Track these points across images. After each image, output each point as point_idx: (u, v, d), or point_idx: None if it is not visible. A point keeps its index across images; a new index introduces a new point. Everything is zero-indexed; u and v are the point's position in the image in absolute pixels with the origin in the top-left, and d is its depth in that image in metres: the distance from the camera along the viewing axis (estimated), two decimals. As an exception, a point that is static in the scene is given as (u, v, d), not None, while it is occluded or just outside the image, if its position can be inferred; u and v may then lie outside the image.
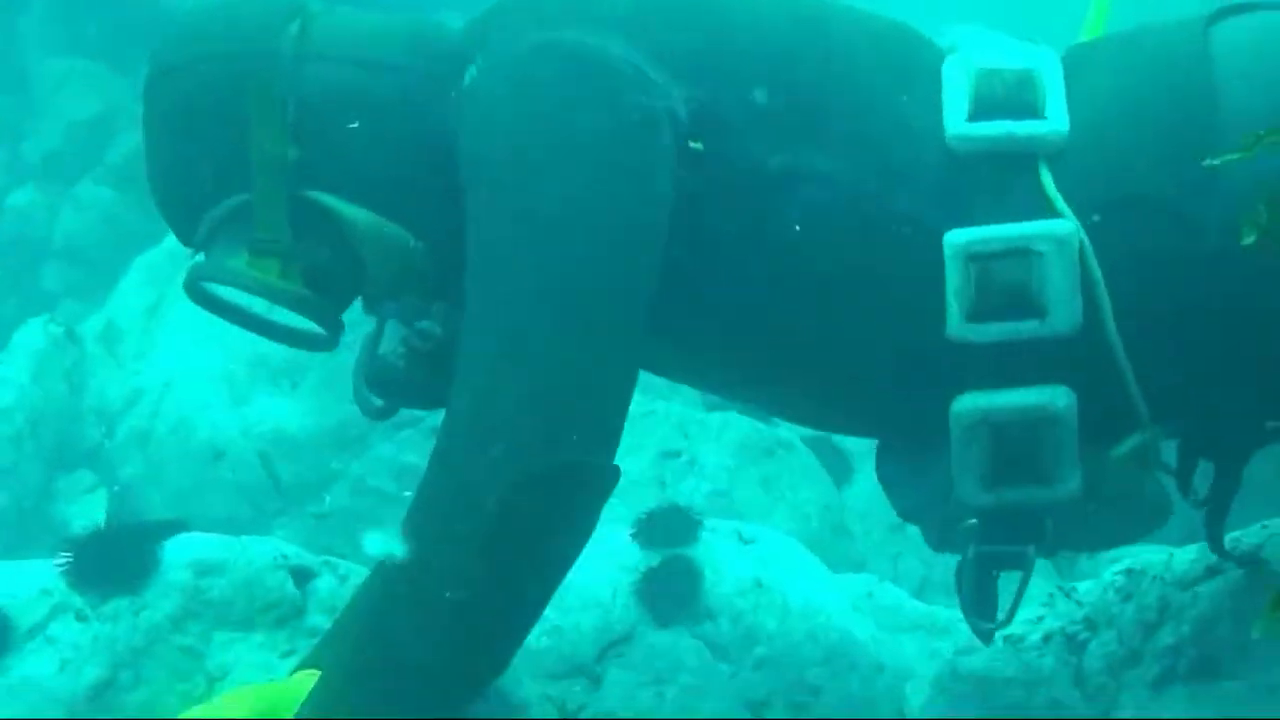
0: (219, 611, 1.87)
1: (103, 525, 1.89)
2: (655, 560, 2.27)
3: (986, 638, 1.75)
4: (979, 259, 1.55)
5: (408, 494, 1.79)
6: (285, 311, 1.69)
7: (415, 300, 1.64)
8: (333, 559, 2.03)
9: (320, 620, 1.92)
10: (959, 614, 2.91)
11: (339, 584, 1.97)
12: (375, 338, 1.69)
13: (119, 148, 5.21)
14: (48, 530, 3.53)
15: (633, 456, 3.50)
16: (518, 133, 1.56)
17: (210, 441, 3.65)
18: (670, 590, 2.26)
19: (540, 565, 1.56)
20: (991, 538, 1.61)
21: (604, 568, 2.24)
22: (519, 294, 1.52)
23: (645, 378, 1.69)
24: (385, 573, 1.56)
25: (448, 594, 1.49)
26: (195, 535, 1.94)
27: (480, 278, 1.54)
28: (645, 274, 1.55)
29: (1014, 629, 2.04)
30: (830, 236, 1.59)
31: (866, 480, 3.96)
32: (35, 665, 1.77)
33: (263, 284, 1.63)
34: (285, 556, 1.94)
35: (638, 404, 3.68)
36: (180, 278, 4.39)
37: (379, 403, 1.74)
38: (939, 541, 1.71)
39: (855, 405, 1.72)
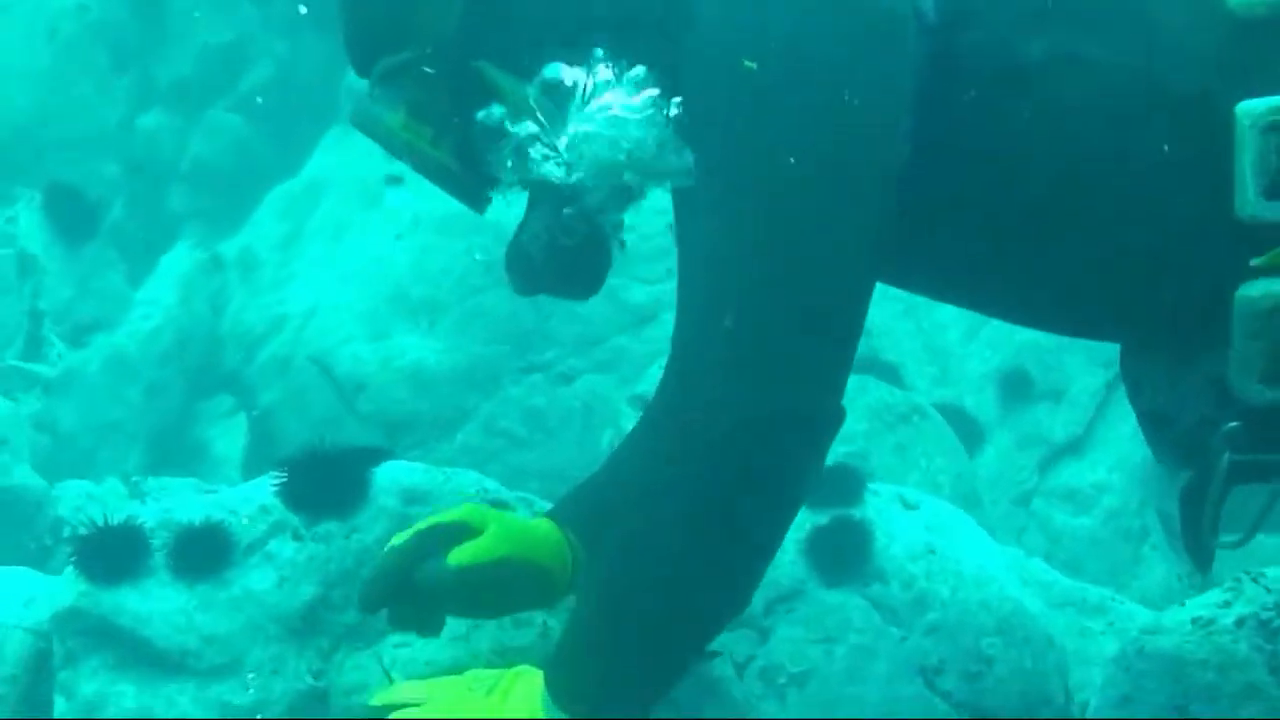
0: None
1: (316, 447, 1.90)
2: (823, 519, 2.27)
3: (1206, 564, 1.66)
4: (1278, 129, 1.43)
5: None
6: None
7: (565, 189, 1.60)
8: (527, 495, 2.05)
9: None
10: (1109, 593, 2.92)
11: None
12: (525, 220, 1.66)
13: (251, 76, 5.24)
14: (188, 450, 3.60)
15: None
16: (749, 40, 1.48)
17: (351, 373, 3.70)
18: (838, 550, 2.26)
19: (768, 508, 1.53)
20: (1253, 445, 1.52)
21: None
22: (749, 223, 1.47)
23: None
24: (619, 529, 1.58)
25: (678, 540, 1.50)
26: (402, 463, 1.97)
27: (707, 199, 1.50)
28: (883, 197, 1.49)
29: (1201, 611, 2.03)
30: (1099, 124, 1.50)
31: (996, 451, 3.96)
32: (256, 580, 1.81)
33: (411, 148, 1.60)
34: (485, 490, 1.96)
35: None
36: (316, 212, 4.44)
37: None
38: (1183, 449, 1.61)
39: (1119, 301, 1.61)
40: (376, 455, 1.97)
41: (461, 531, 1.68)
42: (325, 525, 1.87)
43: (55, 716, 1.73)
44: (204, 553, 1.79)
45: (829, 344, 1.49)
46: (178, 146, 5.22)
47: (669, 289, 4.10)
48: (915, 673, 2.18)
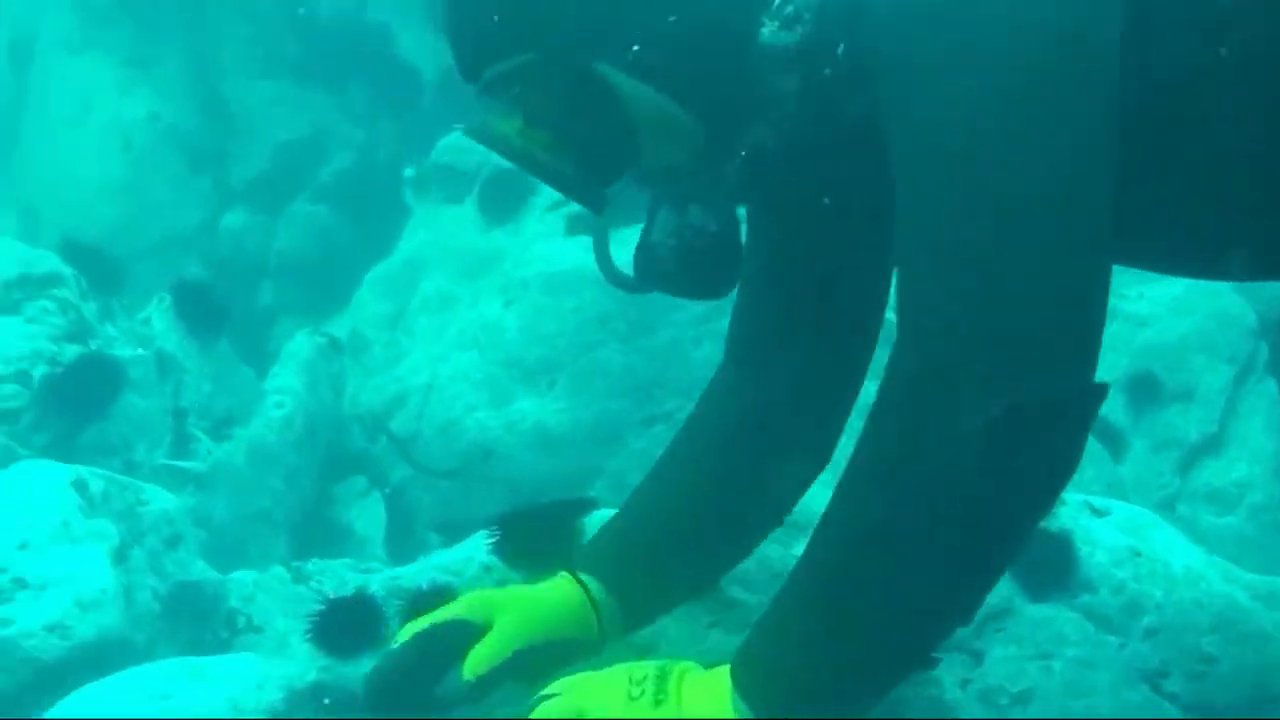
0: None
1: (521, 503, 1.90)
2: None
3: None
4: None
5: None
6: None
7: (690, 190, 1.56)
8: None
9: (736, 593, 1.93)
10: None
11: (753, 562, 1.98)
12: (649, 217, 1.63)
13: (330, 167, 5.32)
14: (330, 533, 3.61)
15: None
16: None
17: (477, 441, 3.70)
18: (1041, 564, 2.23)
19: (1032, 503, 1.42)
20: None
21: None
22: (981, 198, 1.37)
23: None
24: (845, 519, 1.45)
25: (927, 533, 1.39)
26: (607, 510, 1.96)
27: (931, 179, 1.41)
28: (1111, 158, 1.39)
29: None
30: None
31: (1133, 456, 3.91)
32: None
33: (528, 156, 1.54)
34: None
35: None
36: (418, 288, 4.46)
37: (626, 275, 1.70)
38: None
39: None
40: (584, 505, 1.96)
41: (465, 628, 1.65)
42: (546, 579, 1.86)
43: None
44: (435, 616, 1.77)
45: (1089, 313, 1.38)
46: (262, 242, 5.29)
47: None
48: (1139, 679, 2.14)
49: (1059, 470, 1.40)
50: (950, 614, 1.49)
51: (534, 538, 1.89)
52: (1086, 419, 1.39)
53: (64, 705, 1.85)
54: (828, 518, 1.47)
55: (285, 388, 3.58)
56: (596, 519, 1.93)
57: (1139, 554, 2.22)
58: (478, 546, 1.90)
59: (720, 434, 1.85)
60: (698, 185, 1.59)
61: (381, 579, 1.84)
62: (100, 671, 2.15)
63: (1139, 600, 2.17)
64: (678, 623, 1.89)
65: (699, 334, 3.84)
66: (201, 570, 2.63)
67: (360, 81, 5.23)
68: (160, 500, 2.63)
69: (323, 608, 1.78)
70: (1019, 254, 1.36)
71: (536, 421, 3.72)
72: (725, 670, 1.50)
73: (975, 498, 1.37)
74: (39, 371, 3.05)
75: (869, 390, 1.59)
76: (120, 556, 2.45)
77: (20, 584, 2.31)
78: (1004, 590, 2.21)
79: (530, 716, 1.52)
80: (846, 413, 1.87)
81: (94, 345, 3.23)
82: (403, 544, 3.59)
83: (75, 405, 3.01)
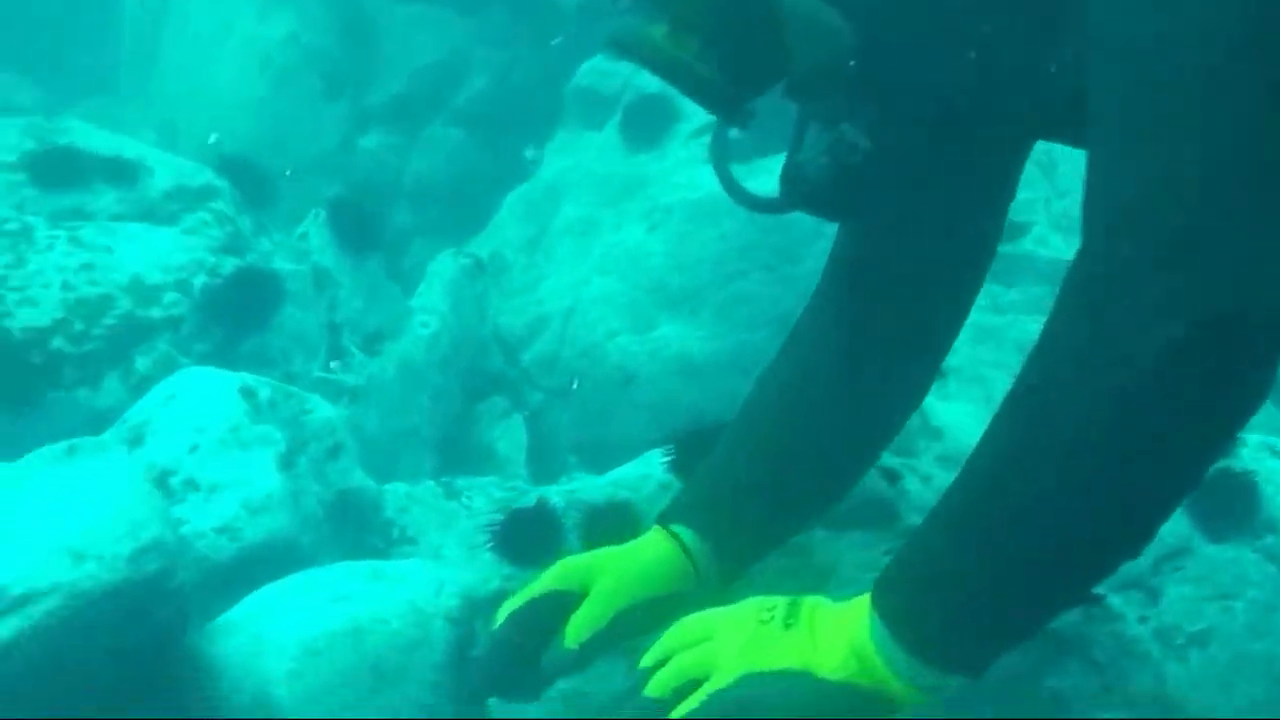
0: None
1: (698, 423, 1.88)
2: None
3: None
4: None
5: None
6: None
7: (844, 102, 1.50)
8: (909, 460, 2.00)
9: (915, 520, 1.90)
10: None
11: (923, 486, 1.94)
12: (796, 137, 1.57)
13: (467, 90, 5.31)
14: (473, 452, 3.63)
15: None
16: None
17: (620, 366, 3.69)
18: (1221, 502, 2.16)
19: (1205, 431, 1.30)
20: None
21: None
22: (1188, 101, 1.25)
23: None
24: (1011, 434, 1.37)
25: (1085, 460, 1.29)
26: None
27: (1132, 76, 1.29)
28: None
29: None
30: None
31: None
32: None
33: (675, 63, 1.45)
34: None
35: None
36: (559, 212, 4.46)
37: (756, 193, 1.64)
38: None
39: None
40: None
41: (562, 599, 1.62)
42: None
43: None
44: (612, 531, 1.78)
45: None
46: (397, 164, 5.32)
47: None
48: (1325, 625, 2.07)
49: (1245, 397, 1.29)
50: (1118, 544, 1.39)
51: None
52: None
53: (245, 605, 1.89)
54: (992, 433, 1.38)
55: (431, 307, 3.60)
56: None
57: (1326, 498, 2.14)
58: (654, 464, 1.89)
59: (817, 362, 1.79)
60: (849, 99, 1.53)
61: (560, 492, 1.83)
62: (268, 574, 2.19)
63: (1325, 545, 2.10)
64: (854, 550, 1.87)
65: (844, 264, 3.77)
66: (361, 479, 2.67)
67: (499, 6, 5.20)
68: (322, 410, 2.66)
69: (503, 518, 1.78)
70: (1223, 161, 1.24)
71: (680, 348, 3.70)
72: (863, 600, 1.44)
73: (1152, 420, 1.27)
74: (199, 281, 3.09)
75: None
76: (287, 462, 2.49)
77: (191, 486, 2.36)
78: (1181, 529, 2.15)
79: (660, 642, 1.51)
80: (954, 334, 1.82)
81: (249, 258, 3.27)
82: (543, 465, 3.61)
83: (236, 316, 3.04)
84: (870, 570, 1.83)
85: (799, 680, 1.40)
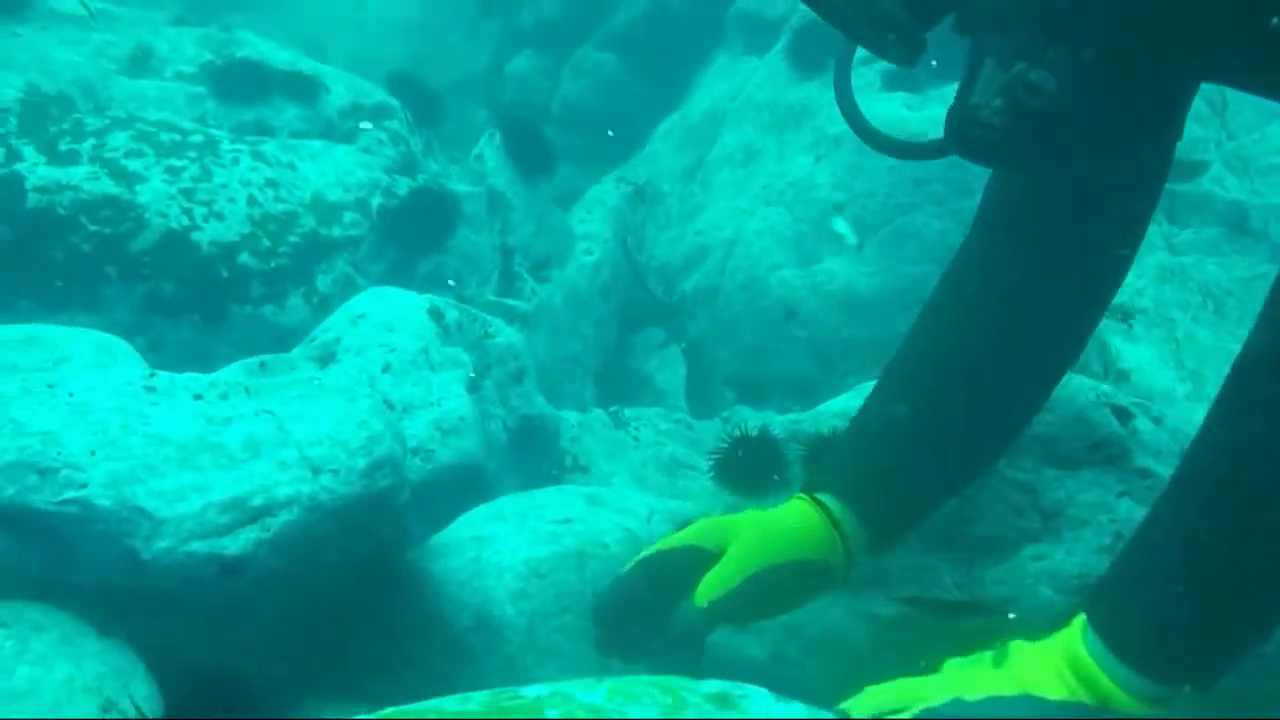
0: (1046, 448, 1.81)
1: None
2: None
3: None
4: None
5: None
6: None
7: (1026, 39, 1.35)
8: (1142, 400, 1.93)
9: (1147, 462, 1.84)
10: None
11: (1154, 426, 1.88)
12: (969, 76, 1.42)
13: (623, 13, 5.24)
14: (633, 382, 3.62)
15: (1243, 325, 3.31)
16: None
17: (782, 299, 3.64)
18: None
19: None
20: None
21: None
22: None
23: None
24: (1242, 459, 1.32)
25: None
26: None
27: None
28: None
29: None
30: None
31: None
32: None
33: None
34: (1105, 394, 1.85)
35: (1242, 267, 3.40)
36: (718, 140, 4.38)
37: (896, 137, 1.53)
38: None
39: None
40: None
41: (698, 554, 1.54)
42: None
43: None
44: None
45: None
46: (548, 88, 5.28)
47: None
48: None
49: None
50: None
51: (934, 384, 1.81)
52: None
53: (461, 524, 1.89)
54: (1220, 438, 1.34)
55: (594, 234, 3.58)
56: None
57: None
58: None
59: (979, 311, 1.68)
60: (1030, 33, 1.37)
61: (782, 422, 1.80)
62: (454, 496, 2.21)
63: None
64: (1085, 489, 1.80)
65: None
66: (542, 405, 2.67)
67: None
68: (506, 334, 2.66)
69: (726, 446, 1.76)
70: None
71: (844, 283, 3.64)
72: (1073, 625, 1.38)
73: None
74: (376, 201, 3.11)
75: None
76: (474, 385, 2.49)
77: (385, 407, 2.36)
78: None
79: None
80: (1119, 278, 1.72)
81: (420, 179, 3.27)
82: (702, 398, 3.59)
83: (412, 237, 3.05)
84: (1101, 511, 1.79)
85: (1017, 702, 1.34)
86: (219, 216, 2.87)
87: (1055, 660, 1.37)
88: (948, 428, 1.66)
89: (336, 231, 3.01)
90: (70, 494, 1.51)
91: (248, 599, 1.57)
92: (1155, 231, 3.69)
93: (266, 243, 2.90)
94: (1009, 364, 1.68)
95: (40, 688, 1.42)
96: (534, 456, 2.63)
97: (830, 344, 3.66)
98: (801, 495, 1.61)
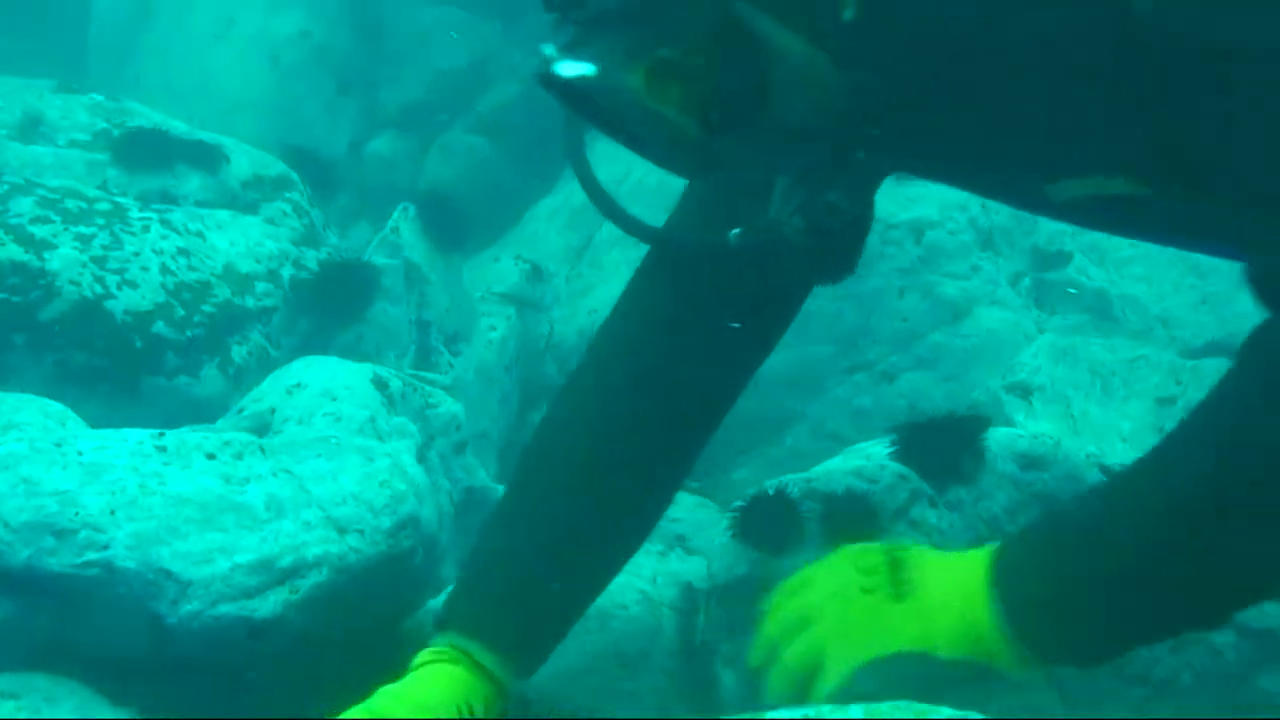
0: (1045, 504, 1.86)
1: (928, 414, 1.88)
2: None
3: None
4: None
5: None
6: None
7: (825, 160, 1.31)
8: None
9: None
10: None
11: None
12: (772, 195, 1.35)
13: (493, 97, 5.25)
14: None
15: (1129, 403, 3.47)
16: None
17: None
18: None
19: None
20: None
21: None
22: None
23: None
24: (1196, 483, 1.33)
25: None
26: (1011, 430, 1.94)
27: None
28: None
29: None
30: None
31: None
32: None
33: (657, 118, 1.25)
34: (1093, 454, 1.92)
35: (1124, 349, 3.60)
36: (604, 222, 4.44)
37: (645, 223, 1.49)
38: None
39: None
40: (982, 422, 1.93)
41: None
42: (954, 492, 1.84)
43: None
44: (852, 524, 1.76)
45: None
46: (412, 171, 5.23)
47: (977, 284, 4.06)
48: None
49: None
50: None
51: (937, 448, 1.86)
52: None
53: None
54: (1167, 465, 1.35)
55: (495, 311, 3.56)
56: (1001, 436, 1.90)
57: None
58: (880, 453, 1.88)
59: (606, 424, 1.60)
60: (831, 155, 1.33)
61: (797, 480, 1.81)
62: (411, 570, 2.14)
63: None
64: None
65: (905, 285, 3.81)
66: (484, 478, 2.62)
67: (533, 10, 5.15)
68: (447, 404, 2.61)
69: (745, 505, 1.76)
70: None
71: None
72: (980, 567, 1.37)
73: None
74: (287, 273, 3.03)
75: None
76: (421, 456, 2.43)
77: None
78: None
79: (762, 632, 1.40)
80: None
81: (324, 251, 3.21)
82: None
83: (329, 309, 2.98)
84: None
85: (916, 663, 1.34)
86: (133, 285, 2.75)
87: (961, 605, 1.35)
88: (587, 541, 1.57)
89: (250, 302, 2.92)
90: (91, 555, 1.41)
91: (270, 663, 1.49)
92: (1029, 317, 3.87)
93: (181, 312, 2.79)
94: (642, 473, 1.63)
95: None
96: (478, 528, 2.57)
97: (729, 420, 3.69)
98: (437, 649, 1.48)
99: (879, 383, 3.83)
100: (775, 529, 1.74)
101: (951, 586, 1.37)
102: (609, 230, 4.28)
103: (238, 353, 2.85)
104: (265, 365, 2.84)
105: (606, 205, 1.53)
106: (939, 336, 3.86)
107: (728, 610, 1.73)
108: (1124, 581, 1.33)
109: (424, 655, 1.47)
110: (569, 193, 4.53)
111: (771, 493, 1.77)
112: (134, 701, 1.44)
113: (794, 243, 1.33)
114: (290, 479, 1.57)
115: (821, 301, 3.76)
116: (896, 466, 1.83)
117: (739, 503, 1.79)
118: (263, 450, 1.61)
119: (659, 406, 1.58)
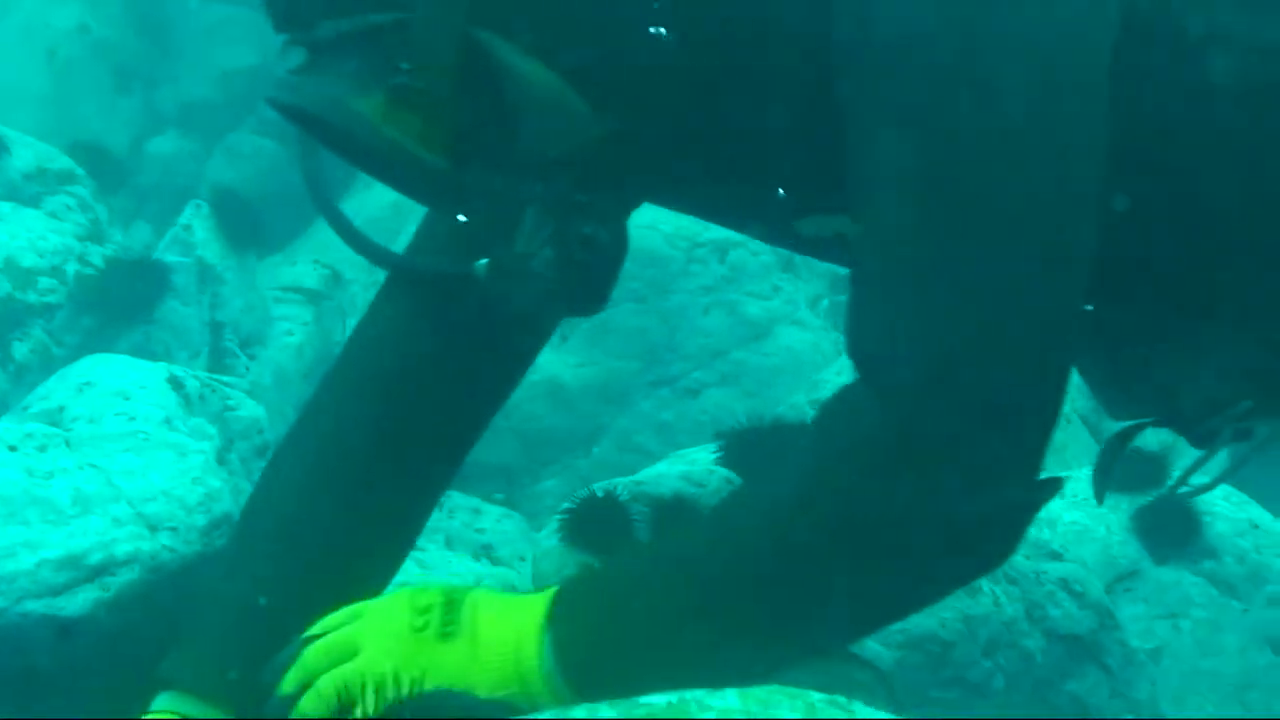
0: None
1: (753, 419, 1.89)
2: (1145, 500, 2.33)
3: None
4: None
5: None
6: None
7: (573, 190, 1.27)
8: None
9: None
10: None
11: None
12: (520, 226, 1.28)
13: (282, 98, 5.10)
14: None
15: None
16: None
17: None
18: (1165, 530, 2.33)
19: (946, 584, 1.32)
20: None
21: (1090, 505, 2.29)
22: (954, 218, 1.17)
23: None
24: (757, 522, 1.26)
25: (820, 571, 1.21)
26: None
27: (900, 188, 1.20)
28: (1097, 186, 1.21)
29: None
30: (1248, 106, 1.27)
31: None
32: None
33: (395, 147, 1.19)
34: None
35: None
36: (407, 228, 4.39)
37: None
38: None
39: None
40: (803, 430, 1.95)
41: None
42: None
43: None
44: (680, 524, 1.74)
45: (1048, 402, 1.21)
46: (194, 171, 5.05)
47: (778, 304, 4.14)
48: (1264, 643, 2.25)
49: (993, 559, 1.31)
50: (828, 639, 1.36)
51: (766, 452, 1.87)
52: (1028, 520, 1.25)
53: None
54: (737, 506, 1.34)
55: (293, 315, 3.44)
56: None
57: (1257, 526, 2.33)
58: (707, 459, 1.88)
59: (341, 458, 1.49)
60: (583, 187, 1.28)
61: (625, 484, 1.79)
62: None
63: (1261, 569, 2.28)
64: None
65: (710, 302, 3.86)
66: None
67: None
68: (248, 407, 2.49)
69: (573, 508, 1.72)
70: (992, 290, 1.18)
71: (550, 374, 3.67)
72: (537, 610, 1.27)
73: (902, 566, 1.23)
74: (72, 269, 2.86)
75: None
76: (221, 459, 2.31)
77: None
78: (1131, 552, 2.29)
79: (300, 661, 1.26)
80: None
81: (110, 248, 3.05)
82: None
83: (115, 307, 2.83)
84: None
85: (454, 700, 1.22)
86: (-98, 276, 2.56)
87: (512, 647, 1.25)
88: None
89: (33, 297, 2.74)
90: (-127, 552, 1.28)
91: (84, 663, 1.38)
92: (828, 338, 3.97)
93: (-44, 306, 2.60)
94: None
95: None
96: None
97: (535, 434, 3.66)
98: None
99: (683, 398, 3.86)
100: (604, 531, 1.71)
101: (509, 626, 1.27)
102: (406, 239, 4.21)
103: (19, 349, 2.68)
104: (48, 363, 2.68)
105: (346, 231, 1.42)
106: (742, 354, 3.93)
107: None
108: (663, 618, 1.26)
109: None
110: (366, 198, 4.43)
111: (600, 495, 1.74)
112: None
113: (544, 275, 1.26)
114: (97, 473, 1.47)
115: (627, 316, 3.79)
116: (724, 471, 1.83)
117: (568, 504, 1.76)
118: (68, 444, 1.49)
119: (394, 439, 1.47)
